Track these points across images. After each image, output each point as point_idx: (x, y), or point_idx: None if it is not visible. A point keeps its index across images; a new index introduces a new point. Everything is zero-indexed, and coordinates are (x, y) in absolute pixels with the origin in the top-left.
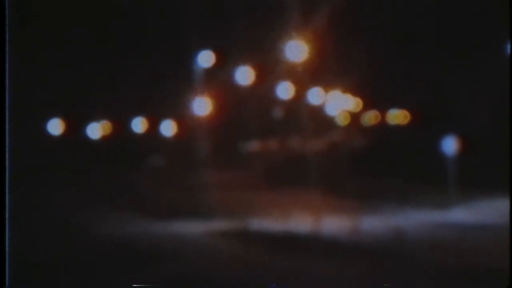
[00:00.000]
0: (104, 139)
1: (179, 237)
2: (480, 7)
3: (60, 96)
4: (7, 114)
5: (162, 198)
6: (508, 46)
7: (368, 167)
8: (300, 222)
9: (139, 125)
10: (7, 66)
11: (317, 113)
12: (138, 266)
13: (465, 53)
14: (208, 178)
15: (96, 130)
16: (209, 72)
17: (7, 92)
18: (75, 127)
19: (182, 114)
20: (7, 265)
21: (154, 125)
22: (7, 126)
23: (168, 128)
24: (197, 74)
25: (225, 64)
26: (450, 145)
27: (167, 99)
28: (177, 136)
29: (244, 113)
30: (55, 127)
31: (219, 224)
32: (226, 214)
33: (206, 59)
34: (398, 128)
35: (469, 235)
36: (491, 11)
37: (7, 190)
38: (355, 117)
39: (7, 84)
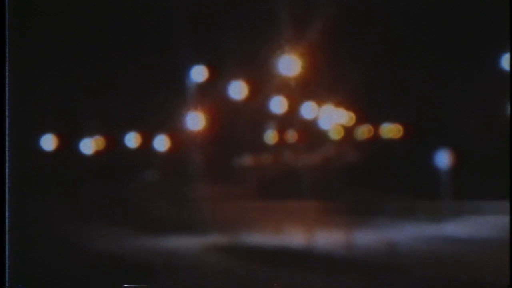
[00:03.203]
0: (97, 154)
1: (172, 251)
2: (473, 20)
3: (53, 111)
4: (7, 130)
5: (155, 212)
6: (502, 59)
7: (361, 181)
8: (294, 237)
9: (132, 140)
10: (7, 81)
11: (310, 127)
12: (130, 280)
13: (458, 66)
14: (201, 193)
15: (89, 145)
16: (202, 87)
17: (6, 108)
18: (68, 143)
19: (175, 128)
20: (7, 265)
21: (147, 140)
22: (7, 140)
23: (161, 143)
24: (190, 88)
25: (218, 78)
26: (444, 158)
27: (160, 113)
28: (170, 151)
29: (237, 128)
30: (48, 142)
31: (212, 239)
32: (219, 228)
33: (199, 73)
34: (391, 142)
35: (463, 249)
36: (485, 24)
37: (7, 197)
38: (348, 131)
39: (6, 100)
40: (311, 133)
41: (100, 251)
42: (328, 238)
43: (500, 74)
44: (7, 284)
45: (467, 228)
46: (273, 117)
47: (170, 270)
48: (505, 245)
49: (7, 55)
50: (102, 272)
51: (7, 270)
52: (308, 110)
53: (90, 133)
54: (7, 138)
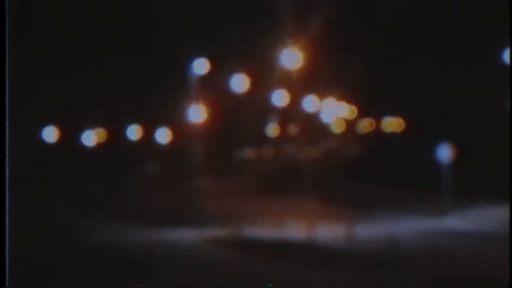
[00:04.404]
0: (99, 146)
1: (173, 244)
2: (475, 16)
3: (55, 103)
4: (7, 123)
5: (157, 205)
6: (503, 54)
7: (363, 174)
8: (295, 230)
9: (134, 132)
10: (6, 74)
11: (312, 120)
12: (132, 273)
13: (460, 60)
14: (203, 185)
15: (91, 137)
16: (204, 80)
17: (7, 100)
18: (70, 135)
19: (177, 121)
20: (7, 265)
21: (149, 132)
22: (7, 133)
23: (163, 135)
24: (192, 81)
25: (220, 71)
26: (445, 152)
27: (162, 106)
28: (172, 144)
29: (239, 121)
30: (50, 134)
31: (214, 231)
32: (220, 221)
33: (201, 66)
34: (393, 136)
35: (464, 242)
36: (487, 20)
37: (7, 194)
38: (350, 124)
39: (7, 93)
40: (313, 126)
41: (101, 245)
42: (329, 231)
43: (501, 68)
44: (7, 284)
45: (467, 222)
46: (275, 110)
47: (170, 262)
48: (504, 239)
49: (7, 47)
50: (103, 267)
51: (7, 270)
52: (310, 103)
53: (92, 125)
54: (7, 131)
